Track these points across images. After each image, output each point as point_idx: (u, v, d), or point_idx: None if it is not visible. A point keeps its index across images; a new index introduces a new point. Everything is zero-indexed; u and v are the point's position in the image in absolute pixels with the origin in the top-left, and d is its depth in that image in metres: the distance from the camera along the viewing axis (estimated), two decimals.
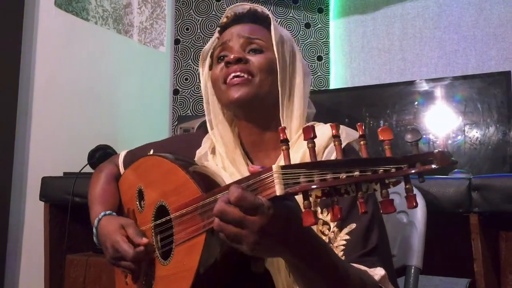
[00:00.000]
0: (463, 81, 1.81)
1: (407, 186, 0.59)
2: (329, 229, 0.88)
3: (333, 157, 0.90)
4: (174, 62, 2.82)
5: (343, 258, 0.85)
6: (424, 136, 1.83)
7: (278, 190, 0.61)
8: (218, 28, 1.09)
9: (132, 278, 1.06)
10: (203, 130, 1.10)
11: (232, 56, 0.97)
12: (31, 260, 1.96)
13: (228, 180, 0.96)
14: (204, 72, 1.09)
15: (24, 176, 1.95)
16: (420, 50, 2.56)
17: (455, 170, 1.54)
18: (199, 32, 2.82)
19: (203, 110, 1.09)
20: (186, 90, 2.81)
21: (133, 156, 1.23)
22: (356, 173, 0.58)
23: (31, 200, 1.94)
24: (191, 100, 2.80)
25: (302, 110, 0.99)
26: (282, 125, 0.97)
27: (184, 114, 2.74)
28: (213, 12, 2.82)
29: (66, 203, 1.83)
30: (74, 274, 1.89)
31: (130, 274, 1.06)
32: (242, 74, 0.96)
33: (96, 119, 2.28)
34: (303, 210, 0.60)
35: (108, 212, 1.11)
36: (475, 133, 1.73)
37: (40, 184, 1.91)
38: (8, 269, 1.88)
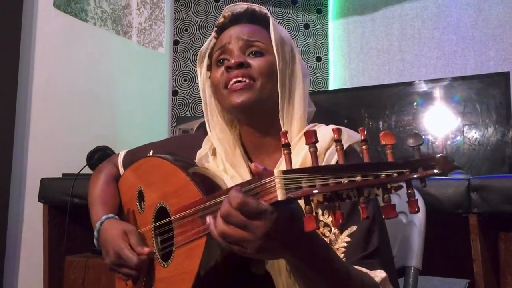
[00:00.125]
0: (462, 81, 1.81)
1: (409, 191, 0.59)
2: (330, 231, 0.88)
3: (334, 159, 0.90)
4: (173, 63, 2.82)
5: (343, 260, 0.85)
6: (423, 136, 1.83)
7: (280, 195, 0.61)
8: (215, 28, 1.08)
9: (131, 279, 1.06)
10: (203, 131, 1.09)
11: (233, 61, 0.96)
12: (30, 262, 1.95)
13: (229, 183, 0.96)
14: (202, 73, 1.08)
15: (23, 177, 1.95)
16: (419, 50, 2.56)
17: (454, 170, 1.54)
18: (198, 33, 2.82)
19: (202, 111, 1.08)
20: (185, 91, 2.80)
21: (132, 157, 1.22)
22: (358, 178, 0.58)
23: (30, 201, 1.94)
24: (190, 101, 2.80)
25: (302, 112, 0.99)
26: (283, 128, 0.97)
27: (183, 115, 2.74)
28: (212, 13, 2.83)
29: (65, 204, 1.83)
30: (73, 276, 1.88)
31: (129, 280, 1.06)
32: (244, 79, 0.96)
33: (95, 120, 2.28)
34: (305, 214, 0.61)
35: (110, 215, 1.10)
36: (474, 134, 1.73)
37: (39, 185, 1.91)
38: (7, 271, 1.87)
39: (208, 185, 0.93)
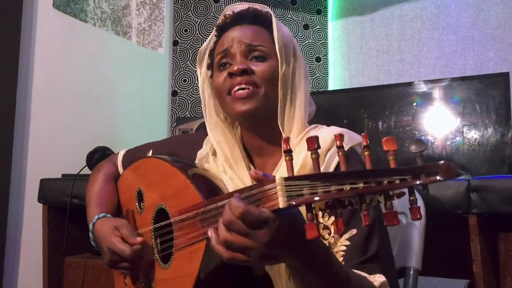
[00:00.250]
0: (462, 82, 1.81)
1: (411, 198, 0.58)
2: (329, 234, 0.88)
3: (335, 161, 0.90)
4: (173, 63, 2.82)
5: (342, 263, 0.84)
6: (422, 137, 1.83)
7: (281, 203, 0.61)
8: (215, 27, 1.06)
9: (131, 279, 1.06)
10: (204, 131, 1.08)
11: (236, 68, 0.95)
12: (29, 262, 1.95)
13: (228, 184, 0.96)
14: (202, 72, 1.06)
15: (23, 178, 1.95)
16: (419, 51, 2.56)
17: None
18: (197, 34, 2.82)
19: (202, 111, 1.07)
20: (185, 92, 2.80)
21: (132, 156, 1.22)
22: (360, 184, 0.58)
23: (30, 202, 1.94)
24: (189, 102, 2.80)
25: (304, 112, 0.98)
26: (284, 129, 0.96)
27: (182, 116, 2.74)
28: (212, 14, 2.83)
29: (65, 205, 1.83)
30: (73, 276, 1.88)
31: (129, 274, 1.06)
32: (247, 87, 0.95)
33: (95, 120, 2.28)
34: (306, 222, 0.60)
35: (102, 215, 1.10)
36: (473, 134, 1.73)
37: (39, 186, 1.91)
38: (7, 271, 1.87)
39: (208, 187, 0.93)
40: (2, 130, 1.87)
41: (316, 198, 0.59)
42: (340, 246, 0.86)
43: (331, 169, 0.90)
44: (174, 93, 2.81)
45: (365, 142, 0.61)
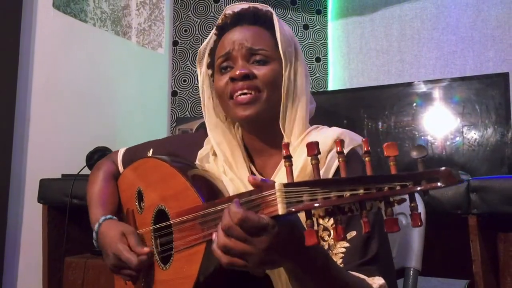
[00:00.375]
0: (461, 82, 1.81)
1: (412, 204, 0.58)
2: (329, 235, 0.88)
3: (336, 163, 0.90)
4: (173, 63, 2.82)
5: (342, 265, 0.84)
6: (422, 137, 1.83)
7: (281, 209, 0.61)
8: (215, 27, 1.04)
9: (132, 279, 1.06)
10: (205, 130, 1.08)
11: (237, 72, 0.94)
12: (29, 263, 1.95)
13: (228, 185, 0.96)
14: (202, 72, 1.05)
15: (22, 178, 1.95)
16: (418, 51, 2.57)
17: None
18: (197, 34, 2.82)
19: (202, 111, 1.07)
20: (185, 92, 2.80)
21: (132, 154, 1.21)
22: (361, 191, 0.58)
23: (29, 202, 1.94)
24: (189, 102, 2.80)
25: (305, 112, 0.98)
26: (285, 130, 0.96)
27: (182, 116, 2.74)
28: (211, 14, 2.83)
29: (65, 205, 1.83)
30: (73, 277, 1.88)
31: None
32: (250, 92, 0.94)
33: (94, 120, 2.28)
34: (306, 228, 0.60)
35: (108, 216, 1.09)
36: (473, 135, 1.73)
37: (38, 186, 1.91)
38: (7, 272, 1.87)
39: (208, 189, 0.93)
40: (2, 130, 1.87)
41: (316, 205, 0.59)
42: (340, 248, 0.86)
43: (332, 171, 0.90)
44: (174, 93, 2.81)
45: (365, 147, 0.60)
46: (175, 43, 2.83)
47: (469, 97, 1.75)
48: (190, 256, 0.87)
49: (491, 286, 1.34)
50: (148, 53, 2.67)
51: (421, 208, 1.19)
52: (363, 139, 0.61)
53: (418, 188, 0.56)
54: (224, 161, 1.00)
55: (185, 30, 2.83)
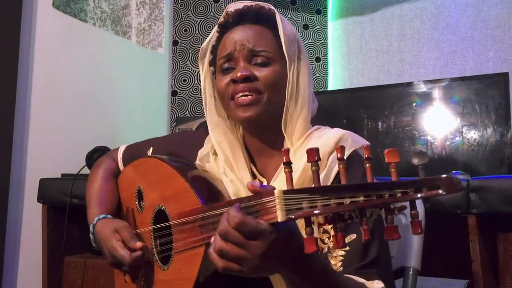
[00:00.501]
0: (461, 82, 1.81)
1: (412, 212, 0.57)
2: (329, 238, 0.88)
3: (337, 166, 0.89)
4: (172, 63, 2.82)
5: (341, 268, 0.84)
6: (422, 137, 1.83)
7: (280, 217, 0.60)
8: (217, 25, 1.03)
9: (131, 277, 1.07)
10: (205, 129, 1.07)
11: (239, 74, 0.94)
12: (29, 262, 1.95)
13: (228, 186, 0.96)
14: (204, 69, 1.04)
15: (22, 178, 1.95)
16: (418, 51, 2.57)
17: (453, 171, 1.54)
18: (197, 34, 2.82)
19: (202, 111, 1.07)
20: (184, 92, 2.80)
21: (132, 152, 1.21)
22: (361, 198, 0.57)
23: (29, 202, 1.94)
24: (189, 101, 2.80)
25: (307, 112, 0.97)
26: (287, 131, 0.96)
27: (182, 115, 2.74)
28: (211, 14, 2.83)
29: (64, 205, 1.83)
30: (72, 276, 1.88)
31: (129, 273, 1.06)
32: (250, 93, 0.94)
33: (94, 120, 2.28)
34: (304, 236, 0.60)
35: (102, 216, 1.09)
36: (473, 135, 1.73)
37: (38, 186, 1.91)
38: (6, 271, 1.87)
39: (208, 191, 0.93)
40: (2, 130, 1.87)
41: (316, 212, 0.58)
42: (339, 251, 0.85)
43: (333, 174, 0.90)
44: (173, 93, 2.81)
45: (366, 154, 0.60)
46: (175, 43, 2.83)
47: (469, 97, 1.76)
48: (190, 258, 0.87)
49: (491, 286, 1.34)
50: (148, 52, 2.67)
51: (421, 211, 1.19)
52: (365, 145, 0.61)
53: (419, 195, 0.56)
54: (224, 161, 0.99)
55: (185, 30, 2.83)
